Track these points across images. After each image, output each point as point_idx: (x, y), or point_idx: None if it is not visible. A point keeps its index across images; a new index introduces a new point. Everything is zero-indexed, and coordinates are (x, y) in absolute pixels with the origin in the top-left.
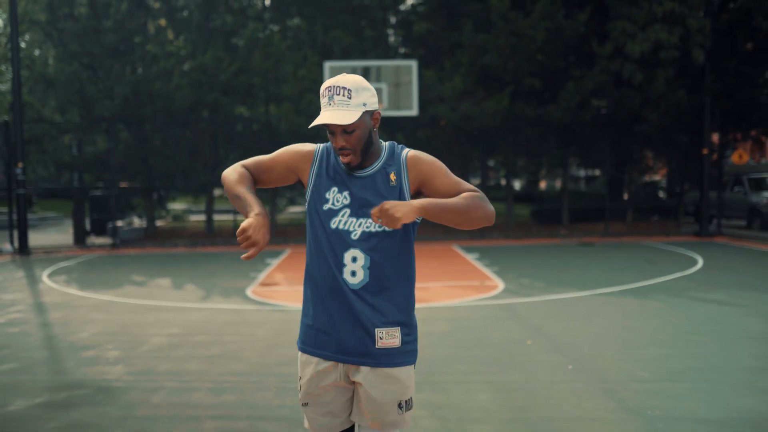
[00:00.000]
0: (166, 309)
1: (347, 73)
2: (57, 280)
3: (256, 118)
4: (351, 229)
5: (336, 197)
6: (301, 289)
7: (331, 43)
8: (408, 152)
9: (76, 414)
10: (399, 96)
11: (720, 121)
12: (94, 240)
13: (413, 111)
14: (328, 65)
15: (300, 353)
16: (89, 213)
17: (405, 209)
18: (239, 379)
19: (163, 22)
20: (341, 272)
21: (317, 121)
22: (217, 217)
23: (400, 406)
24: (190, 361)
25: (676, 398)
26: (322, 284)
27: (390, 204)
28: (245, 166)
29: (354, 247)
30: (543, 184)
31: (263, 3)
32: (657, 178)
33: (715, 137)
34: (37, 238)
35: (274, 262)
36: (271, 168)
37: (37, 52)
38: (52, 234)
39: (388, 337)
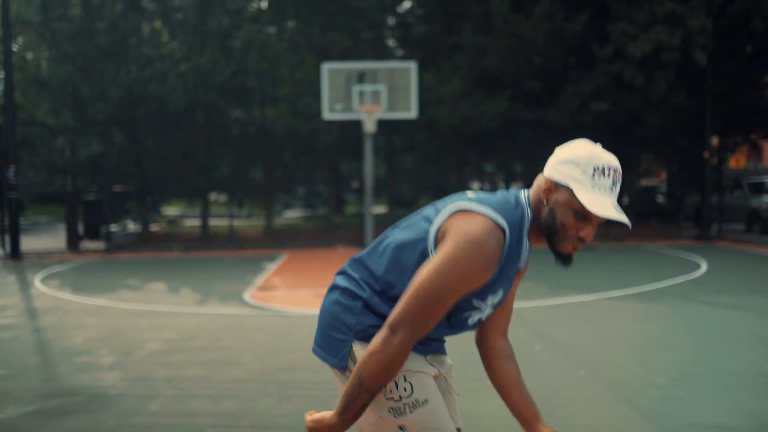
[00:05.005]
0: (161, 314)
1: (346, 73)
2: (49, 284)
3: (251, 120)
4: (481, 318)
5: (494, 298)
6: (300, 292)
7: (328, 45)
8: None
9: (70, 422)
10: (397, 98)
11: (720, 124)
12: (88, 245)
13: (412, 113)
14: (325, 67)
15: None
16: (83, 217)
17: None
18: (239, 386)
19: (158, 23)
20: (435, 344)
21: (606, 210)
22: (212, 222)
23: None
24: (188, 367)
25: (695, 405)
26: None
27: None
28: (410, 341)
29: (469, 330)
30: None
31: (259, 5)
32: (656, 182)
33: (715, 141)
34: (29, 243)
35: (272, 267)
36: (454, 300)
37: (30, 56)
38: (45, 238)
39: None
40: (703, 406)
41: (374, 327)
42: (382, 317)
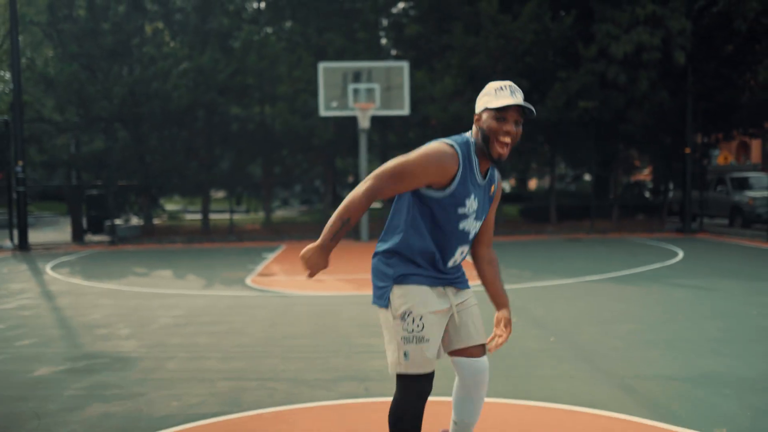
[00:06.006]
0: (170, 295)
1: (341, 72)
2: (60, 271)
3: (251, 117)
4: (472, 230)
5: (471, 204)
6: (299, 278)
7: (324, 44)
8: (499, 177)
9: (98, 377)
10: (391, 96)
11: (702, 122)
12: (92, 238)
13: (405, 111)
14: (321, 66)
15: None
16: (86, 211)
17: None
18: (246, 350)
19: (160, 24)
20: (446, 260)
21: (507, 101)
22: (212, 217)
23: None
24: (199, 336)
25: (645, 362)
26: (424, 261)
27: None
28: (375, 191)
29: (467, 244)
30: (533, 184)
31: (258, 6)
32: (643, 178)
33: (699, 137)
34: (35, 236)
35: (271, 256)
36: (410, 183)
37: (29, 53)
38: (50, 232)
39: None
40: (651, 362)
41: (405, 275)
42: (413, 262)
